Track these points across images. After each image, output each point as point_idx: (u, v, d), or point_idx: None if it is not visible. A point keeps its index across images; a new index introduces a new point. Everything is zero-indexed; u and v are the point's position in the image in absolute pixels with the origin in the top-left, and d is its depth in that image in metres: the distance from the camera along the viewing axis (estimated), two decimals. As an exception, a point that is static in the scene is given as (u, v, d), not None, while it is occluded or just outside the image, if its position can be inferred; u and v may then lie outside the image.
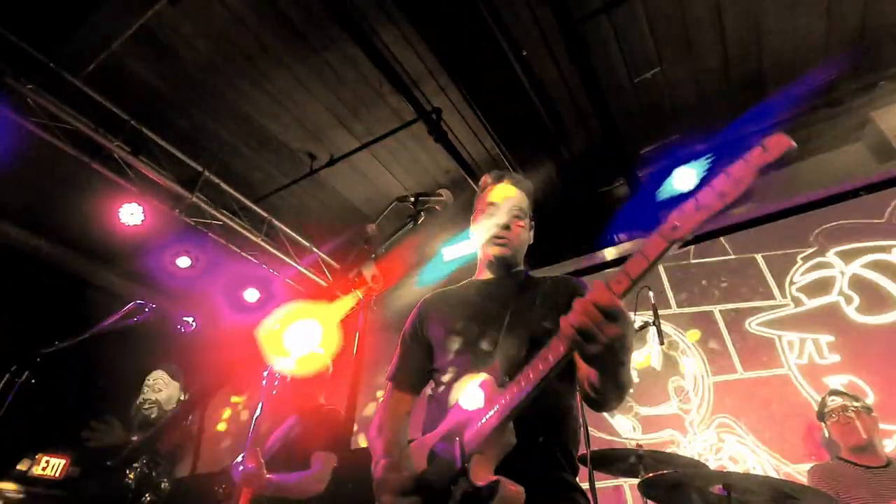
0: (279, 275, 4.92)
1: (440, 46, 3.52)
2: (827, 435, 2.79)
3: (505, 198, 1.57)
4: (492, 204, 1.56)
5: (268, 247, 4.75)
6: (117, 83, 3.78)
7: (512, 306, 1.38)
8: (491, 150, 4.40)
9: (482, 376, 1.20)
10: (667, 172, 4.14)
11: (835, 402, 2.68)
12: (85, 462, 6.00)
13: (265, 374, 2.71)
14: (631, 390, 1.14)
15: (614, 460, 2.40)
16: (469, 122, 4.15)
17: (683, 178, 4.11)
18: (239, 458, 2.48)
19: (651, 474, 1.85)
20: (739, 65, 3.83)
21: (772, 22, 3.52)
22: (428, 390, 1.50)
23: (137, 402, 5.46)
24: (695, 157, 4.10)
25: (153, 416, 6.36)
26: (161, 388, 5.27)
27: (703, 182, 0.96)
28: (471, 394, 1.20)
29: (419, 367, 1.53)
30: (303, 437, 2.59)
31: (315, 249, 5.08)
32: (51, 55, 3.45)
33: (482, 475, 1.06)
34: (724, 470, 2.19)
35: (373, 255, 1.18)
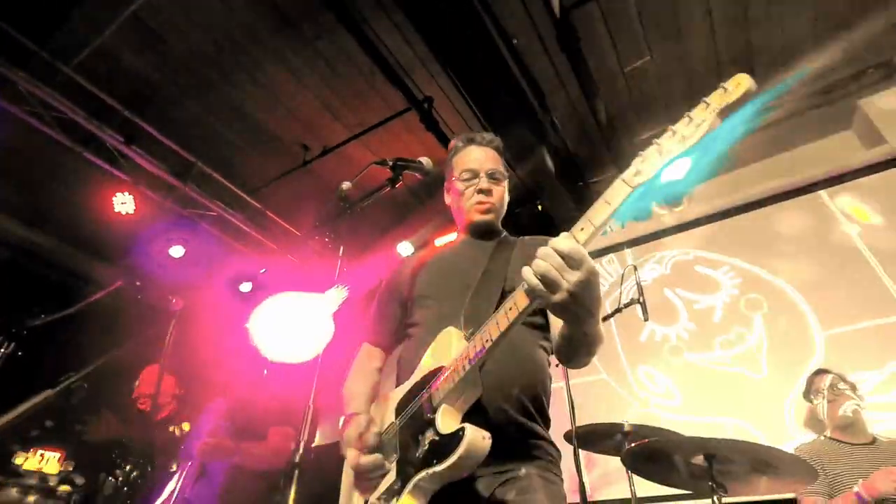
0: (272, 266, 4.93)
1: (431, 35, 3.53)
2: (813, 413, 2.81)
3: (481, 161, 1.55)
4: (468, 170, 1.54)
5: (261, 238, 4.76)
6: (109, 72, 3.79)
7: (486, 265, 1.40)
8: (483, 140, 4.42)
9: (450, 330, 1.21)
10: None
11: (822, 380, 2.70)
12: (79, 456, 6.00)
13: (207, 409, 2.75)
14: (600, 346, 1.12)
15: (600, 437, 2.41)
16: (460, 111, 4.17)
17: (673, 166, 4.13)
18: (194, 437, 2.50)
19: (633, 444, 1.86)
20: (729, 52, 3.86)
21: (760, 9, 3.55)
22: (399, 347, 1.50)
23: (132, 397, 5.47)
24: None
25: (148, 410, 6.35)
26: (156, 382, 5.27)
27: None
28: (438, 347, 1.21)
29: (392, 325, 1.53)
30: (248, 416, 2.65)
31: (308, 241, 5.08)
32: (42, 43, 3.46)
33: (449, 424, 1.07)
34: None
35: (347, 211, 1.19)
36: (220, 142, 4.43)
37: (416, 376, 1.23)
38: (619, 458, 2.25)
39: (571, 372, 2.56)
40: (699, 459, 1.86)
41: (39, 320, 1.83)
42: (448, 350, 1.17)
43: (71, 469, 5.82)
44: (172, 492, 2.49)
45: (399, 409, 1.22)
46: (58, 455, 5.67)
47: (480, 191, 1.50)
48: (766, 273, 3.74)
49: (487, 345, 1.03)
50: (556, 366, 1.39)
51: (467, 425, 1.03)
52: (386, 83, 3.89)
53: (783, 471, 1.78)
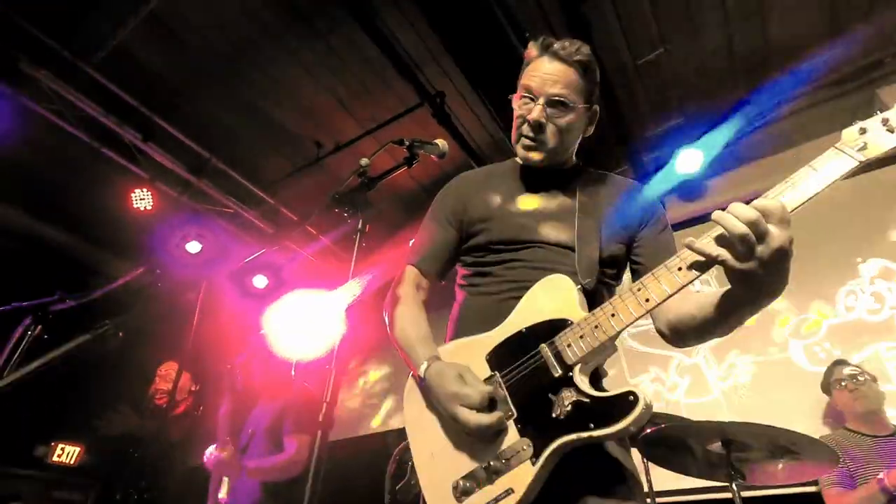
0: (287, 261, 4.98)
1: (443, 29, 3.55)
2: (832, 405, 2.76)
3: (543, 81, 1.21)
4: (527, 87, 1.24)
5: (277, 234, 4.81)
6: (128, 70, 3.86)
7: (578, 202, 1.21)
8: (495, 135, 4.43)
9: (560, 278, 1.06)
10: (671, 155, 4.13)
11: (842, 371, 2.66)
12: (98, 449, 6.10)
13: (229, 366, 2.78)
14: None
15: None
16: (472, 105, 4.18)
17: (688, 160, 4.10)
18: (210, 449, 2.56)
19: (648, 430, 1.85)
20: (743, 44, 3.82)
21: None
22: (462, 281, 1.31)
23: (150, 392, 5.54)
24: (700, 138, 4.10)
25: (164, 405, 6.43)
26: (172, 378, 5.36)
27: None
28: (544, 296, 1.06)
29: (449, 252, 1.31)
30: (273, 421, 2.64)
31: (321, 237, 5.13)
32: (64, 42, 3.54)
33: (588, 385, 0.96)
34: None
35: (366, 188, 1.20)
36: (235, 138, 4.49)
37: (516, 325, 1.07)
38: (634, 448, 2.23)
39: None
40: (716, 446, 1.85)
41: (65, 304, 1.87)
42: (563, 302, 1.03)
43: (91, 462, 5.93)
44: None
45: (494, 360, 1.07)
46: (77, 450, 5.80)
47: (529, 123, 1.22)
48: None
49: (648, 307, 0.92)
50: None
51: (636, 389, 0.92)
52: (398, 78, 3.91)
53: (804, 455, 1.76)
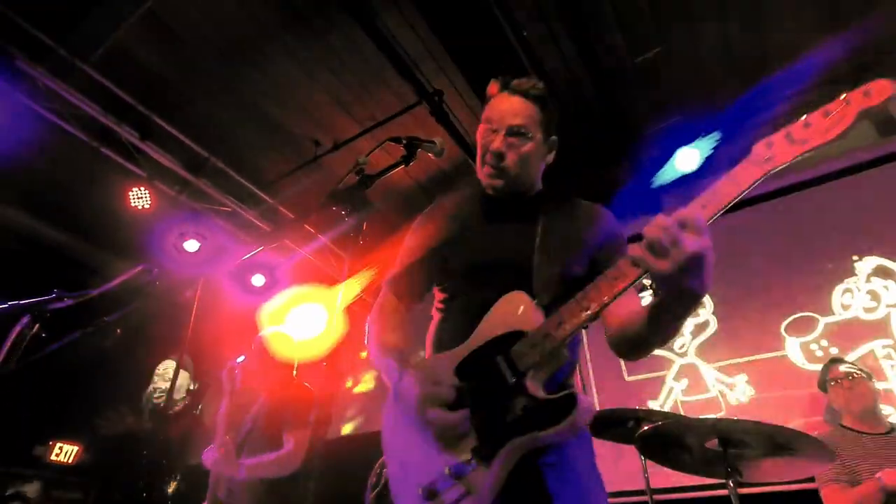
0: (285, 260, 4.99)
1: (441, 27, 3.56)
2: (829, 403, 2.78)
3: (503, 114, 1.31)
4: (488, 120, 1.33)
5: (273, 232, 4.81)
6: (125, 69, 3.86)
7: (540, 225, 1.29)
8: (493, 133, 4.43)
9: (518, 295, 1.15)
10: (669, 153, 4.15)
11: (837, 369, 2.67)
12: (97, 449, 6.08)
13: (228, 366, 2.79)
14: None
15: (612, 424, 2.41)
16: (470, 104, 4.18)
17: (686, 158, 4.11)
18: (209, 448, 2.56)
19: (645, 427, 1.86)
20: (740, 44, 3.83)
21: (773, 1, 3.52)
22: (437, 303, 1.39)
23: (148, 391, 5.53)
24: (697, 137, 4.11)
25: (163, 404, 6.41)
26: (171, 378, 5.34)
27: (790, 121, 0.92)
28: (503, 312, 1.16)
29: (425, 277, 1.40)
30: (272, 418, 2.65)
31: (320, 236, 5.13)
32: (60, 40, 3.53)
33: (539, 390, 1.06)
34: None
35: (365, 186, 1.21)
36: (233, 137, 4.49)
37: (479, 339, 1.16)
38: (632, 447, 2.25)
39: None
40: (713, 443, 1.85)
41: (63, 303, 1.87)
42: (520, 316, 1.12)
43: (89, 461, 5.93)
44: None
45: (461, 372, 1.15)
46: (76, 448, 5.79)
47: (491, 152, 1.30)
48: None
49: (590, 313, 1.00)
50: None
51: (574, 391, 1.03)
52: (396, 77, 3.91)
53: (800, 453, 1.77)
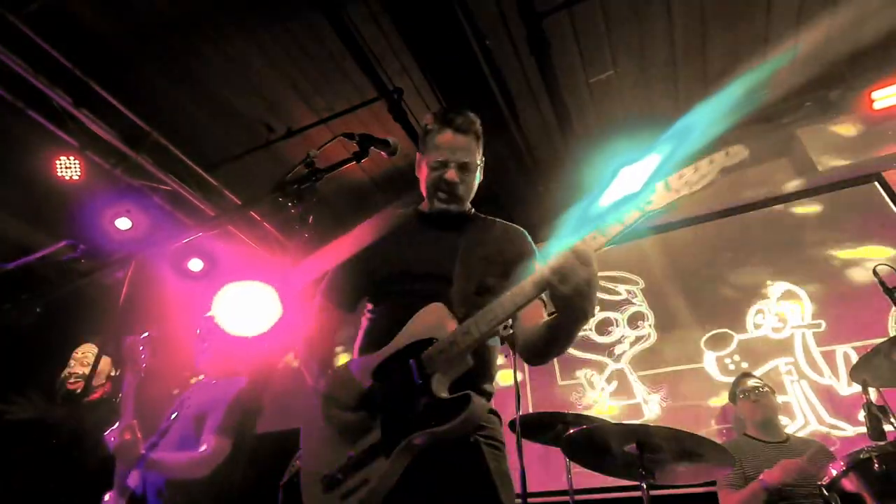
0: (227, 246, 4.80)
1: (406, 26, 3.56)
2: (736, 414, 3.04)
3: (453, 150, 1.51)
4: (438, 160, 1.51)
5: (215, 216, 4.62)
6: (63, 28, 3.58)
7: (463, 242, 1.46)
8: (449, 136, 4.48)
9: (437, 307, 1.29)
10: (615, 172, 4.35)
11: (746, 383, 2.92)
12: (2, 436, 5.59)
13: (130, 339, 2.52)
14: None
15: (542, 427, 2.51)
16: (429, 105, 4.21)
17: (629, 177, 4.33)
18: (114, 428, 2.28)
19: (571, 431, 1.96)
20: (686, 72, 4.09)
21: (717, 32, 3.79)
22: (366, 311, 1.53)
23: (62, 376, 5.15)
24: (640, 158, 4.34)
25: (79, 391, 5.99)
26: (89, 363, 4.99)
27: (667, 171, 1.13)
28: (422, 321, 1.29)
29: (356, 287, 1.55)
30: (201, 410, 2.44)
31: (265, 223, 4.99)
32: (-11, -11, 3.24)
33: (443, 391, 1.18)
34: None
35: (314, 179, 1.21)
36: (179, 112, 4.27)
37: (396, 345, 1.30)
38: (559, 449, 2.35)
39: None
40: (632, 447, 1.99)
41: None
42: (436, 325, 1.26)
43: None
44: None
45: (378, 375, 1.29)
46: (-24, 434, 5.28)
47: (447, 182, 1.50)
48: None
49: (493, 324, 1.15)
50: (506, 356, 1.47)
51: (471, 392, 1.15)
52: (356, 71, 3.87)
53: (706, 458, 1.93)
